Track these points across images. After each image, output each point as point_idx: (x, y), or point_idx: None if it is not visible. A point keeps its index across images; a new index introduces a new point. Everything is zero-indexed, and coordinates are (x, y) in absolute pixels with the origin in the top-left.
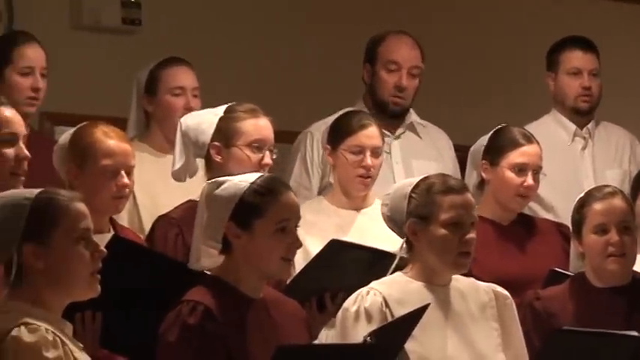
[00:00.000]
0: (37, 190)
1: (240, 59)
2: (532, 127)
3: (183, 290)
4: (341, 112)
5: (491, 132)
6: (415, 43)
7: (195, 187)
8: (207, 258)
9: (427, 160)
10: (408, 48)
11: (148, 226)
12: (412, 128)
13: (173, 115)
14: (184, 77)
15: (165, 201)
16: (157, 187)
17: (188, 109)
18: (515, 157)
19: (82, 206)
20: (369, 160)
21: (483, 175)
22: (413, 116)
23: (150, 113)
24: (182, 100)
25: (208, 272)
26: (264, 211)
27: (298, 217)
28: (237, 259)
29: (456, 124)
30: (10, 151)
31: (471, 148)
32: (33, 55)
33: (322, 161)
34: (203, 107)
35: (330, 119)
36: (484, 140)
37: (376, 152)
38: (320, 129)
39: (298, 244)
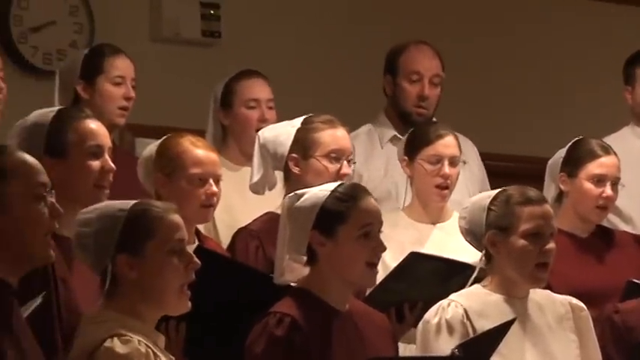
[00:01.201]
0: (131, 202)
1: (314, 70)
2: (610, 139)
3: (268, 301)
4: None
5: (569, 144)
6: (435, 53)
7: (271, 199)
8: (291, 272)
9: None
10: (428, 58)
11: (224, 238)
12: None
13: (248, 128)
14: (259, 90)
15: (242, 214)
16: (233, 199)
17: (263, 122)
18: (594, 168)
19: (176, 217)
20: (447, 169)
21: (562, 187)
22: None
23: (226, 127)
24: (257, 113)
25: (294, 284)
26: (347, 217)
27: (381, 222)
28: (323, 269)
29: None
30: (95, 164)
31: (549, 161)
32: (123, 65)
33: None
34: (281, 119)
35: (354, 136)
36: (562, 152)
37: (454, 161)
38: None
39: (382, 247)
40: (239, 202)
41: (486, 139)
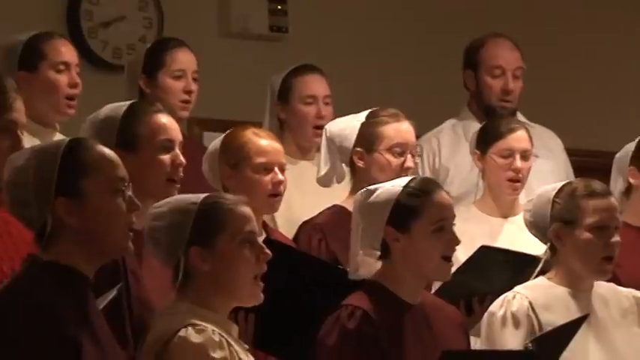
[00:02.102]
0: (202, 195)
1: (379, 64)
2: None
3: (335, 292)
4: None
5: (639, 138)
6: (514, 45)
7: (330, 192)
8: (365, 267)
9: (540, 159)
10: (509, 51)
11: (282, 231)
12: None
13: (305, 124)
14: (316, 86)
15: (300, 207)
16: (290, 193)
17: (320, 118)
18: None
19: (247, 209)
20: (518, 162)
21: (631, 180)
22: (520, 118)
23: (283, 120)
24: (314, 109)
25: (367, 277)
26: (421, 212)
27: (454, 216)
28: (396, 264)
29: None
30: (166, 158)
31: (617, 155)
32: (184, 58)
33: (431, 171)
34: (347, 114)
35: (439, 131)
36: (631, 146)
37: (525, 155)
38: (429, 140)
39: (457, 241)
40: (297, 195)
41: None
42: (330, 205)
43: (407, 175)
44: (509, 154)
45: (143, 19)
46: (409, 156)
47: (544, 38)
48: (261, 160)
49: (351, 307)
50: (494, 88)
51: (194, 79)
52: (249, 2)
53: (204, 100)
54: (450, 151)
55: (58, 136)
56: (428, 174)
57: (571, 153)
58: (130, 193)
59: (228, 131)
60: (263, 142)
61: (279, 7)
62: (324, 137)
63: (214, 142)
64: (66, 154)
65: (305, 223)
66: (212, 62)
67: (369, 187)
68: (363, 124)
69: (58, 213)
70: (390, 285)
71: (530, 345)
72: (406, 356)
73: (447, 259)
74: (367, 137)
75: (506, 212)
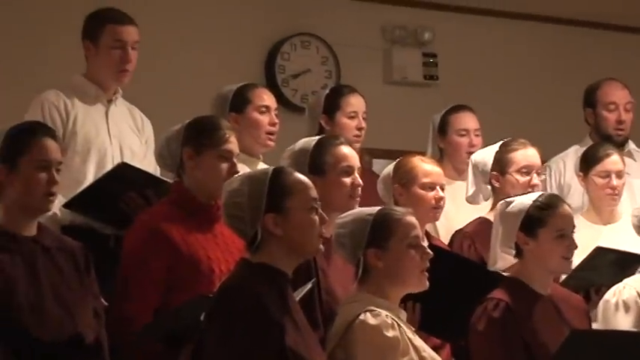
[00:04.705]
0: (377, 208)
1: (511, 104)
2: None
3: (482, 287)
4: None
5: None
6: (624, 85)
7: (478, 207)
8: (502, 261)
9: None
10: (620, 89)
11: (442, 239)
12: (629, 154)
13: (460, 151)
14: (467, 121)
15: (455, 219)
16: (448, 207)
17: (471, 147)
18: None
19: (412, 219)
20: (614, 181)
21: None
22: (631, 144)
23: (442, 149)
24: (466, 140)
25: (506, 274)
26: (546, 222)
27: (573, 225)
28: (528, 262)
29: None
30: (347, 180)
31: None
32: (356, 102)
33: (558, 187)
34: (488, 143)
35: (565, 154)
36: None
37: (620, 174)
38: (556, 162)
39: (575, 245)
40: (453, 209)
41: None
42: (477, 217)
43: (534, 192)
44: (607, 174)
45: (324, 71)
46: (535, 175)
47: None
48: (426, 180)
49: (495, 300)
50: (609, 120)
51: (364, 118)
52: (407, 56)
53: (373, 133)
54: (573, 171)
55: (262, 165)
56: (555, 189)
57: None
58: (319, 209)
59: (400, 158)
60: (427, 166)
61: (431, 59)
62: (470, 164)
63: (388, 167)
64: (272, 179)
65: (457, 231)
66: (378, 103)
67: (507, 199)
68: (497, 152)
69: (266, 226)
70: (524, 279)
71: None
72: (540, 338)
73: (567, 259)
74: (501, 162)
75: (607, 220)
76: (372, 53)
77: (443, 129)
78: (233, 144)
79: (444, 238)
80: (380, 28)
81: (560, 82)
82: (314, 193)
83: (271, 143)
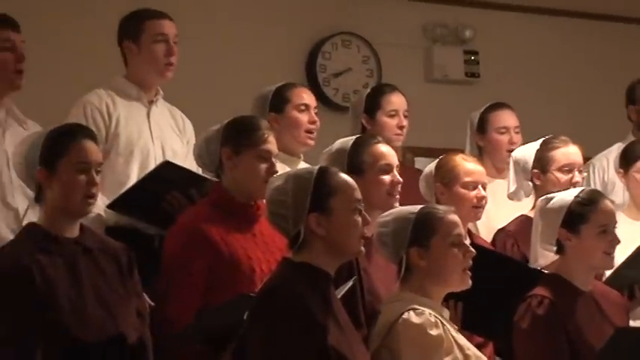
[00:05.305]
0: (419, 206)
1: (553, 101)
2: None
3: (524, 284)
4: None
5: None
6: None
7: (518, 204)
8: (543, 258)
9: None
10: None
11: (483, 236)
12: None
13: (499, 149)
14: (507, 118)
15: (495, 217)
16: (488, 205)
17: (512, 144)
18: None
19: (454, 217)
20: None
21: None
22: None
23: (481, 147)
24: (506, 137)
25: (547, 272)
26: (588, 218)
27: (615, 222)
28: (569, 258)
29: None
30: (386, 178)
31: None
32: (397, 100)
33: (601, 184)
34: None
35: (608, 152)
36: None
37: None
38: (600, 160)
39: (617, 241)
40: (493, 207)
41: None
42: (518, 214)
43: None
44: None
45: (366, 70)
46: (576, 172)
47: None
48: (468, 179)
49: (539, 297)
50: None
51: (405, 117)
52: (448, 54)
53: (414, 131)
54: (616, 168)
55: (302, 164)
56: (598, 186)
57: None
58: (363, 211)
59: (442, 156)
60: (469, 165)
61: (472, 57)
62: (511, 162)
63: (430, 165)
64: (317, 178)
65: (500, 230)
66: (419, 102)
67: (548, 195)
68: (538, 150)
69: (310, 225)
70: (566, 276)
71: None
72: (584, 333)
73: (609, 254)
74: (542, 160)
75: None
76: (413, 52)
77: (482, 127)
78: (272, 144)
79: (484, 236)
80: (421, 26)
81: (602, 79)
82: (358, 194)
83: (311, 142)
